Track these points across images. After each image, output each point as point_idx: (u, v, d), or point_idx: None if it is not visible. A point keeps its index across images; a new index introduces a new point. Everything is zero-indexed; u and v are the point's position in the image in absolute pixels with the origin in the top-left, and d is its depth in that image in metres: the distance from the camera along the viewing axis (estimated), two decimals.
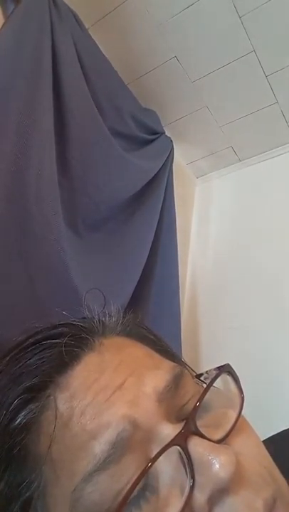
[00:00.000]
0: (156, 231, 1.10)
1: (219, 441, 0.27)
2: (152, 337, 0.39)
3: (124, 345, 0.35)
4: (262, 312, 1.16)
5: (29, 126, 0.72)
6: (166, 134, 1.30)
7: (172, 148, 1.29)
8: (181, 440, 0.26)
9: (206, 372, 0.32)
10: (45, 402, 0.29)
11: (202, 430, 0.27)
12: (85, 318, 0.37)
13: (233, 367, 0.33)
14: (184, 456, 0.26)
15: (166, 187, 1.19)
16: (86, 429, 0.27)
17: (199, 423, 0.28)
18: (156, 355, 0.35)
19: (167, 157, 1.24)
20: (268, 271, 1.20)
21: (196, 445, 0.26)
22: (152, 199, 1.11)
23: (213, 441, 0.27)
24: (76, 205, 0.85)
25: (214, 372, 0.31)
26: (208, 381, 0.31)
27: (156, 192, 1.14)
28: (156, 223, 1.11)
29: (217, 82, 1.19)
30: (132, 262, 0.98)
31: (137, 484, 0.25)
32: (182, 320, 1.17)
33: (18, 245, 0.67)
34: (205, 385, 0.30)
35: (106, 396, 0.28)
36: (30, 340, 0.33)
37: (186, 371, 0.33)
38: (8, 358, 0.32)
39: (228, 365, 0.32)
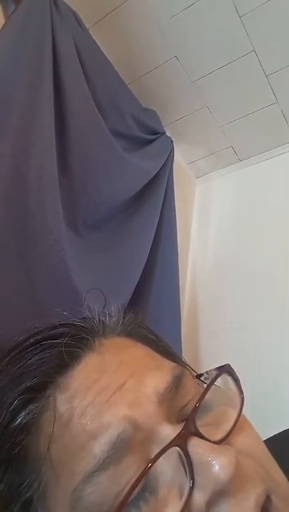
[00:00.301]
0: (156, 231, 1.10)
1: (219, 442, 0.27)
2: (153, 337, 0.39)
3: (125, 346, 0.35)
4: (262, 312, 1.15)
5: (29, 126, 0.72)
6: (167, 134, 1.30)
7: (172, 148, 1.29)
8: (180, 441, 0.26)
9: (207, 372, 0.32)
10: (45, 403, 0.29)
11: (202, 430, 0.27)
12: (85, 318, 0.37)
13: (233, 367, 0.33)
14: (184, 457, 0.26)
15: (166, 187, 1.19)
16: (86, 429, 0.27)
17: (199, 423, 0.28)
18: (157, 356, 0.35)
19: (167, 157, 1.24)
20: (268, 271, 1.20)
21: (195, 446, 0.26)
22: (152, 199, 1.11)
23: (213, 442, 0.27)
24: (76, 205, 0.85)
25: (214, 372, 0.31)
26: (208, 381, 0.31)
27: (157, 192, 1.14)
28: (156, 223, 1.11)
29: (217, 82, 1.19)
30: (133, 262, 0.98)
31: (137, 485, 0.25)
32: (182, 320, 1.17)
33: (19, 245, 0.67)
34: (205, 385, 0.30)
35: (106, 397, 0.28)
36: (31, 340, 0.33)
37: (187, 371, 0.33)
38: (8, 358, 0.32)
39: (228, 365, 0.32)
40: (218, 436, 0.28)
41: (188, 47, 1.12)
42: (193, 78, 1.19)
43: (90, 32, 0.99)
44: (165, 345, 0.39)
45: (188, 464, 0.25)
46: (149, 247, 1.05)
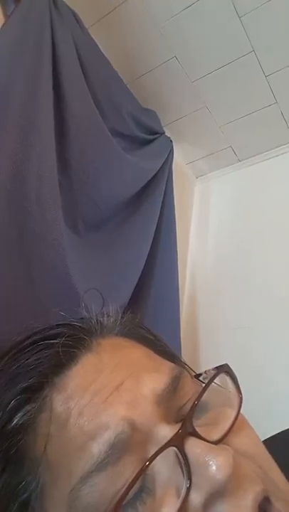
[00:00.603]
0: (155, 231, 1.09)
1: (217, 442, 0.27)
2: (151, 337, 0.39)
3: (122, 346, 0.34)
4: (262, 312, 1.15)
5: (29, 126, 0.72)
6: (166, 134, 1.30)
7: (172, 148, 1.29)
8: (177, 441, 0.26)
9: (205, 372, 0.32)
10: (42, 403, 0.29)
11: (200, 430, 0.27)
12: (83, 318, 0.37)
13: (231, 367, 0.32)
14: (181, 457, 0.26)
15: (165, 187, 1.19)
16: (84, 430, 0.27)
17: (197, 423, 0.28)
18: (155, 356, 0.35)
19: (167, 157, 1.24)
20: (267, 271, 1.20)
21: (192, 446, 0.26)
22: (152, 199, 1.11)
23: (211, 442, 0.27)
24: (76, 205, 0.85)
25: (213, 372, 0.31)
26: (206, 381, 0.31)
27: (156, 192, 1.14)
28: (155, 223, 1.11)
29: (217, 82, 1.19)
30: (132, 261, 0.98)
31: (133, 485, 0.25)
32: (182, 320, 1.17)
33: (18, 245, 0.67)
34: (204, 385, 0.30)
35: (104, 397, 0.28)
36: (28, 340, 0.33)
37: (185, 372, 0.33)
38: (5, 358, 0.32)
39: (226, 365, 0.32)
40: (215, 436, 0.28)
41: (188, 47, 1.12)
42: (193, 78, 1.19)
43: (90, 32, 0.99)
44: (163, 345, 0.39)
45: (185, 464, 0.25)
46: (149, 247, 1.05)
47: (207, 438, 0.27)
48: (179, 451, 0.26)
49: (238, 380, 0.32)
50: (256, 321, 1.15)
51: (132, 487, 0.24)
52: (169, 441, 0.26)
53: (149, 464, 0.25)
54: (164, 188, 1.18)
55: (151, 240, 1.06)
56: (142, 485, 0.26)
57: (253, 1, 1.00)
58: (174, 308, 1.12)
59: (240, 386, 0.32)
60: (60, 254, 0.71)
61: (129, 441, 0.26)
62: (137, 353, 0.34)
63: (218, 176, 1.52)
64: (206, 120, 1.31)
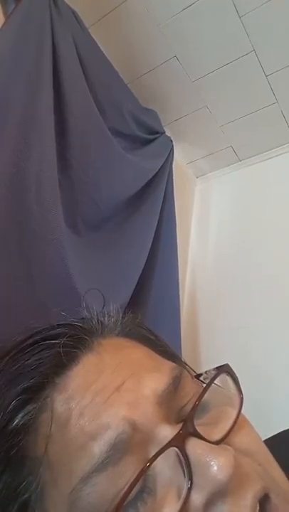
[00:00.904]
0: (156, 230, 1.09)
1: (218, 442, 0.27)
2: (152, 337, 0.39)
3: (123, 346, 0.34)
4: (262, 312, 1.15)
5: (29, 126, 0.72)
6: (166, 133, 1.30)
7: (172, 148, 1.29)
8: (178, 441, 0.26)
9: (206, 372, 0.32)
10: (43, 404, 0.29)
11: (201, 430, 0.27)
12: (84, 318, 0.37)
13: (232, 367, 0.32)
14: (182, 458, 0.26)
15: (166, 187, 1.19)
16: (85, 430, 0.27)
17: (198, 423, 0.28)
18: (156, 356, 0.35)
19: (167, 157, 1.24)
20: (268, 271, 1.20)
21: (193, 446, 0.26)
22: (152, 199, 1.11)
23: (212, 442, 0.27)
24: (76, 204, 0.85)
25: (213, 372, 0.31)
26: (207, 381, 0.31)
27: (156, 192, 1.14)
28: (156, 223, 1.10)
29: (217, 82, 1.19)
30: (132, 261, 0.98)
31: (134, 486, 0.24)
32: (182, 320, 1.17)
33: (18, 245, 0.67)
34: (204, 385, 0.30)
35: (104, 397, 0.28)
36: (29, 340, 0.33)
37: (186, 372, 0.33)
38: (6, 358, 0.32)
39: (227, 365, 0.32)
40: (216, 436, 0.28)
41: (188, 47, 1.11)
42: (193, 78, 1.19)
43: (90, 31, 0.99)
44: (164, 345, 0.39)
45: (186, 464, 0.25)
46: (149, 247, 1.05)
47: (208, 438, 0.27)
48: (180, 451, 0.26)
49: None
50: (256, 321, 1.15)
51: (133, 487, 0.24)
52: (170, 441, 0.26)
53: (150, 464, 0.25)
54: (164, 187, 1.18)
55: (151, 240, 1.06)
56: (143, 485, 0.26)
57: (254, 1, 1.00)
58: (175, 308, 1.12)
59: (241, 386, 0.32)
60: (61, 254, 0.71)
61: (129, 442, 0.26)
62: (137, 353, 0.34)
63: (218, 176, 1.52)
64: (207, 120, 1.31)
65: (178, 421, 0.29)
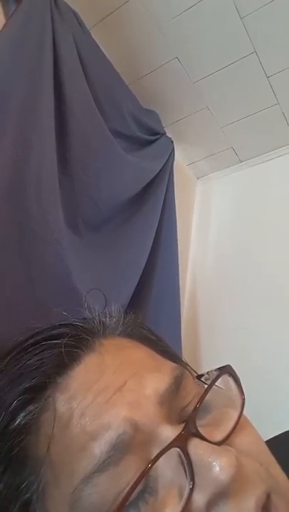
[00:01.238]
0: (156, 231, 1.09)
1: (220, 443, 0.27)
2: (153, 338, 0.39)
3: (125, 346, 0.34)
4: (262, 313, 1.15)
5: (30, 126, 0.72)
6: (167, 134, 1.30)
7: (173, 149, 1.29)
8: (180, 442, 0.26)
9: (207, 373, 0.32)
10: (45, 403, 0.29)
11: (203, 431, 0.27)
12: (85, 318, 0.37)
13: (234, 368, 0.32)
14: (184, 458, 0.26)
15: (166, 188, 1.19)
16: (86, 430, 0.27)
17: (200, 424, 0.28)
18: (157, 356, 0.35)
19: (168, 158, 1.24)
20: (268, 271, 1.20)
21: (195, 447, 0.26)
22: (153, 200, 1.11)
23: (214, 443, 0.27)
24: (76, 205, 0.85)
25: (215, 373, 0.31)
26: (209, 382, 0.31)
27: (157, 192, 1.14)
28: (156, 224, 1.10)
29: (218, 83, 1.19)
30: (133, 262, 0.98)
31: (136, 486, 0.24)
32: (182, 320, 1.17)
33: (18, 245, 0.67)
34: (206, 386, 0.30)
35: (106, 397, 0.28)
36: (31, 340, 0.33)
37: (187, 372, 0.33)
38: (8, 358, 0.32)
39: (229, 366, 0.32)
40: (218, 437, 0.28)
41: (189, 48, 1.12)
42: (194, 79, 1.19)
43: (91, 32, 0.99)
44: (165, 345, 0.39)
45: (188, 465, 0.25)
46: (150, 248, 1.05)
47: (210, 439, 0.27)
48: (182, 452, 0.26)
49: None
50: (256, 321, 1.15)
51: (135, 488, 0.24)
52: (172, 442, 0.26)
53: (152, 465, 0.25)
54: (165, 188, 1.18)
55: (152, 241, 1.06)
56: (145, 485, 0.25)
57: (255, 2, 1.00)
58: (175, 308, 1.12)
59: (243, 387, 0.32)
60: (61, 254, 0.71)
61: (131, 442, 0.26)
62: (139, 354, 0.34)
63: (219, 177, 1.52)
64: (208, 121, 1.31)
65: (179, 421, 0.29)
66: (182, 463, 0.26)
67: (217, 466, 0.24)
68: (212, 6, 1.01)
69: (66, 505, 0.26)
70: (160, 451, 0.26)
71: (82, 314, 0.38)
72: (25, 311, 0.63)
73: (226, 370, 0.32)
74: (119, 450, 0.26)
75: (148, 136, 1.18)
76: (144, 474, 0.25)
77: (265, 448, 0.30)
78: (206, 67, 1.16)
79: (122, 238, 0.98)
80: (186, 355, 1.04)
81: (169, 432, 0.27)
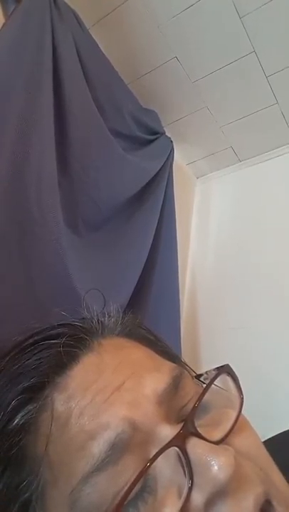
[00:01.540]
0: (156, 231, 1.09)
1: (218, 442, 0.27)
2: (152, 338, 0.39)
3: (123, 346, 0.35)
4: (262, 313, 1.15)
5: (29, 126, 0.72)
6: (167, 134, 1.30)
7: (172, 149, 1.29)
8: (179, 441, 0.26)
9: (206, 372, 0.32)
10: (43, 403, 0.29)
11: (201, 431, 0.27)
12: (84, 318, 0.37)
13: (232, 367, 0.32)
14: (183, 458, 0.26)
15: (166, 187, 1.19)
16: (85, 429, 0.27)
17: (199, 423, 0.28)
18: (156, 356, 0.35)
19: (167, 157, 1.24)
20: (268, 271, 1.20)
21: (194, 446, 0.26)
22: (152, 199, 1.11)
23: (212, 442, 0.27)
24: (76, 205, 0.85)
25: (214, 372, 0.31)
26: (207, 381, 0.31)
27: (156, 192, 1.14)
28: (156, 223, 1.10)
29: (217, 83, 1.19)
30: (132, 261, 0.98)
31: (135, 485, 0.25)
32: (182, 320, 1.17)
33: (18, 245, 0.67)
34: (205, 386, 0.30)
35: (105, 397, 0.28)
36: (29, 340, 0.33)
37: (186, 372, 0.33)
38: (7, 358, 0.32)
39: (227, 365, 0.32)
40: (217, 437, 0.28)
41: (189, 47, 1.12)
42: (194, 78, 1.19)
43: (90, 32, 0.99)
44: (164, 345, 0.39)
45: (186, 464, 0.25)
46: (149, 247, 1.05)
47: (208, 438, 0.27)
48: (181, 451, 0.26)
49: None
50: (256, 321, 1.15)
51: (133, 487, 0.24)
52: (171, 441, 0.26)
53: (150, 464, 0.25)
54: (164, 188, 1.18)
55: (151, 240, 1.06)
56: (143, 485, 0.26)
57: (254, 2, 1.00)
58: (175, 308, 1.12)
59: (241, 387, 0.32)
60: (60, 254, 0.71)
61: (129, 441, 0.26)
62: (137, 353, 0.34)
63: (218, 177, 1.52)
64: (207, 120, 1.31)
65: (178, 421, 0.29)
66: (181, 462, 0.26)
67: (215, 465, 0.24)
68: (211, 6, 1.01)
69: (65, 505, 0.26)
70: (159, 451, 0.26)
71: (81, 314, 0.38)
72: (25, 311, 0.63)
73: (225, 369, 0.32)
74: (118, 449, 0.26)
75: (147, 135, 1.18)
76: (143, 473, 0.25)
77: (265, 451, 0.30)
78: (206, 67, 1.16)
79: (122, 238, 0.98)
80: (185, 355, 1.05)
81: (167, 432, 0.27)
